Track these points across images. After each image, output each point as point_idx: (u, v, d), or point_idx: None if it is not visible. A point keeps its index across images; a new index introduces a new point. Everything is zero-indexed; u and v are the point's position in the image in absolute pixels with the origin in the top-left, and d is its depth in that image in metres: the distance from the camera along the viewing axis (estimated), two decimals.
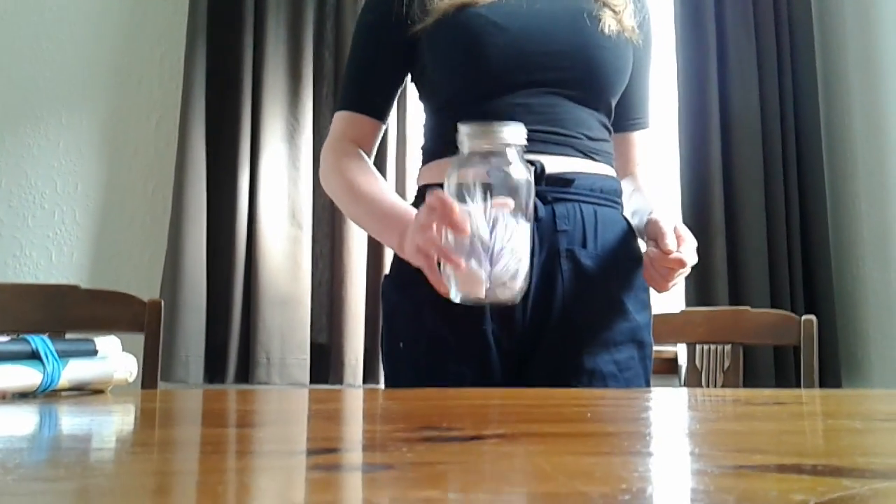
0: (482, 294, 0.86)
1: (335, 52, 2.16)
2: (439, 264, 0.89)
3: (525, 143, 0.89)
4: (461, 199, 0.86)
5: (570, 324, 1.04)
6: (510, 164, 0.87)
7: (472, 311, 1.03)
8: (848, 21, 2.39)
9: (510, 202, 0.85)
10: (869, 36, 2.30)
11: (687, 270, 1.01)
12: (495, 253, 0.85)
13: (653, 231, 1.02)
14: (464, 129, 0.88)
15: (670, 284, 1.02)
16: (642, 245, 1.13)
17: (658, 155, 2.33)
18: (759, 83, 2.31)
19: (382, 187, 1.12)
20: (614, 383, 1.05)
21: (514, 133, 0.88)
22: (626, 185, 1.19)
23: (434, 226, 0.87)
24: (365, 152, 1.17)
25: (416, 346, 1.08)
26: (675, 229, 1.00)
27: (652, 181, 1.24)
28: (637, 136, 1.24)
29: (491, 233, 0.85)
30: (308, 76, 2.11)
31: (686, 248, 0.99)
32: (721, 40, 2.33)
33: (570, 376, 1.04)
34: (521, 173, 0.87)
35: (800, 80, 2.36)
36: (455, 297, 0.89)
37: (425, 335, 1.06)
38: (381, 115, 1.18)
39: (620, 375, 1.05)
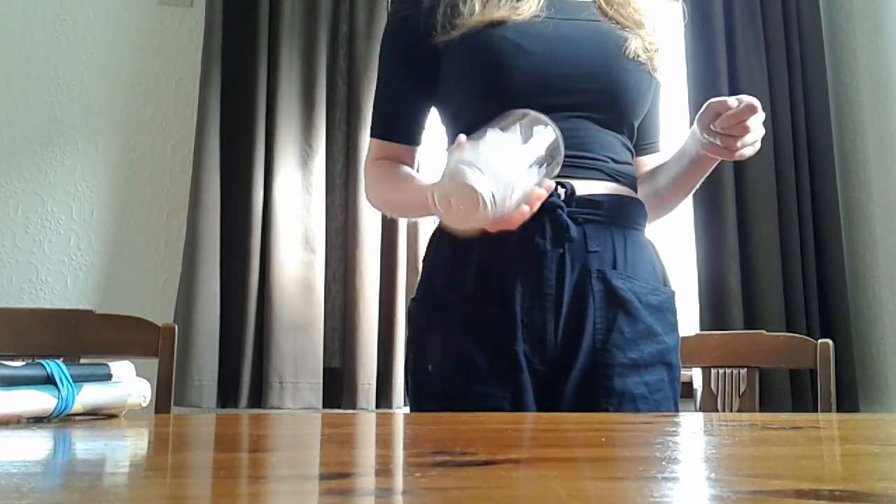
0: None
1: (348, 78, 2.18)
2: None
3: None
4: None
5: (601, 345, 1.04)
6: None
7: (503, 332, 1.03)
8: (859, 41, 2.39)
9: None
10: (880, 56, 2.30)
11: (759, 127, 1.01)
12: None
13: (709, 109, 1.02)
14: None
15: (746, 142, 1.02)
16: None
17: None
18: (771, 105, 2.31)
19: (418, 176, 1.16)
20: (645, 405, 1.04)
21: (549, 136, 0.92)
22: (646, 177, 1.23)
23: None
24: None
25: (445, 369, 1.07)
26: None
27: None
28: (649, 160, 1.25)
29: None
30: (321, 103, 2.13)
31: (751, 99, 0.99)
32: (732, 62, 2.34)
33: (601, 398, 1.03)
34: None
35: (811, 102, 2.36)
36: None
37: (455, 358, 1.06)
38: (412, 140, 1.19)
39: (651, 397, 1.05)
